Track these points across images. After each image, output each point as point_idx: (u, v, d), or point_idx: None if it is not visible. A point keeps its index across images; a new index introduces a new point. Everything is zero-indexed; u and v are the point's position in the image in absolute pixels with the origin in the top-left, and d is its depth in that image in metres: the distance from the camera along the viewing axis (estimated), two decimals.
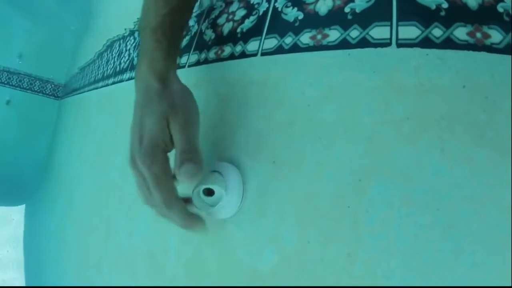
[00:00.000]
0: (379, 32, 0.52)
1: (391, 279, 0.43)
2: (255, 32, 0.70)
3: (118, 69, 1.44)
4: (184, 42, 0.92)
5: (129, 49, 1.41)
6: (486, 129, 0.42)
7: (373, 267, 0.44)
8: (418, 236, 0.42)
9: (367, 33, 0.54)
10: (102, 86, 1.59)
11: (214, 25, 0.83)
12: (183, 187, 0.60)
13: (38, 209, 2.25)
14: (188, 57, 0.87)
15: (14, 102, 2.81)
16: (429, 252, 0.41)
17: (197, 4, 0.95)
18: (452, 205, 0.41)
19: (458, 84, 0.45)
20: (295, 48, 0.62)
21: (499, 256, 0.38)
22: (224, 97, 0.72)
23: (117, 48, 1.58)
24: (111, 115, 1.37)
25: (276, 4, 0.69)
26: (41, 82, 2.87)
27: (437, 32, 0.48)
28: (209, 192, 0.63)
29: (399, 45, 0.50)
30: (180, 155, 0.57)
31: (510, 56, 0.43)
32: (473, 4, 0.47)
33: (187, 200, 0.63)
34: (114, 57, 1.56)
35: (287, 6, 0.67)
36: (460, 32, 0.47)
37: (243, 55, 0.71)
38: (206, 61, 0.80)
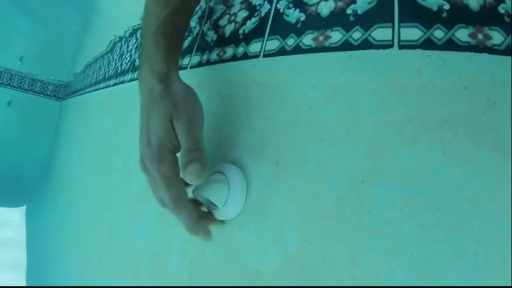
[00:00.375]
0: (381, 33, 0.53)
1: (393, 280, 0.43)
2: (257, 33, 0.70)
3: (119, 70, 1.44)
4: (186, 43, 0.92)
5: (131, 50, 1.41)
6: (487, 131, 0.42)
7: (375, 268, 0.45)
8: (420, 237, 0.42)
9: (369, 35, 0.54)
10: (103, 87, 1.59)
11: (216, 27, 0.83)
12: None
13: (39, 210, 2.26)
14: (190, 59, 0.87)
15: (15, 103, 2.81)
16: (431, 253, 0.41)
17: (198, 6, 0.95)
18: (454, 206, 0.41)
19: (459, 86, 0.45)
20: (297, 50, 0.62)
21: (501, 257, 0.38)
22: (226, 98, 0.72)
23: (119, 50, 1.58)
24: (112, 116, 1.37)
25: (278, 6, 0.69)
26: (42, 83, 2.87)
27: (439, 33, 0.48)
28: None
29: (401, 47, 0.50)
30: (185, 155, 0.57)
31: (511, 57, 0.43)
32: (475, 5, 0.48)
33: (199, 203, 0.63)
34: (116, 58, 1.57)
35: (289, 8, 0.67)
36: (462, 34, 0.47)
37: (245, 56, 0.71)
38: (208, 63, 0.80)
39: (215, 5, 0.88)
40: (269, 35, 0.68)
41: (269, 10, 0.71)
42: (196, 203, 0.66)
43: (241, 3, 0.79)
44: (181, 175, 0.58)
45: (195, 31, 0.91)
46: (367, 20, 0.55)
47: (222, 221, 0.64)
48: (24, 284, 2.08)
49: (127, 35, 1.55)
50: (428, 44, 0.48)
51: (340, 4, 0.59)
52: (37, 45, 2.82)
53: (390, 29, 0.52)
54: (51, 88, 2.88)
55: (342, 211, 0.49)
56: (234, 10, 0.80)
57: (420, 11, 0.50)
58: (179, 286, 0.70)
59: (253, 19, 0.73)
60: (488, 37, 0.45)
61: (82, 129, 1.85)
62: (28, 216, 2.54)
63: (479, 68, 0.44)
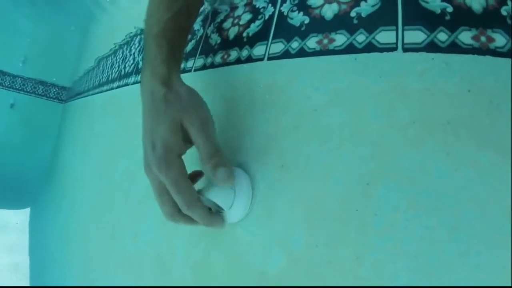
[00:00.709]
0: (385, 36, 0.53)
1: (398, 281, 0.43)
2: (261, 36, 0.71)
3: (123, 72, 1.44)
4: (190, 46, 0.93)
5: (134, 53, 1.41)
6: (490, 133, 0.42)
7: (380, 269, 0.45)
8: (424, 238, 0.43)
9: (373, 38, 0.54)
10: (106, 90, 1.59)
11: (219, 29, 0.83)
12: None
13: (42, 212, 2.26)
14: (194, 61, 0.87)
15: (18, 105, 2.82)
16: (435, 253, 0.42)
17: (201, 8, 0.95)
18: (457, 207, 0.42)
19: (463, 89, 0.45)
20: (302, 53, 0.62)
21: (503, 257, 0.38)
22: (230, 101, 0.72)
23: (122, 52, 1.58)
24: (115, 119, 1.37)
25: (281, 8, 0.69)
26: (45, 86, 2.88)
27: (442, 36, 0.48)
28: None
29: (405, 50, 0.50)
30: (209, 160, 0.59)
31: None
32: (477, 7, 0.48)
33: None
34: (119, 61, 1.57)
35: (292, 10, 0.67)
36: (465, 36, 0.47)
37: (250, 59, 0.71)
38: (212, 65, 0.80)
39: (220, 6, 0.88)
40: (273, 38, 0.68)
41: (273, 13, 0.71)
42: None
43: (245, 5, 0.79)
44: (211, 178, 0.59)
45: (199, 34, 0.91)
46: (371, 23, 0.55)
47: (228, 224, 0.64)
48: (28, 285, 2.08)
49: (129, 39, 1.56)
50: (431, 47, 0.49)
51: (344, 7, 0.59)
52: (39, 48, 2.83)
53: (394, 32, 0.52)
54: (54, 90, 2.88)
55: (347, 213, 0.49)
56: (238, 12, 0.80)
57: (423, 14, 0.51)
58: (183, 287, 0.70)
59: (257, 22, 0.73)
60: (491, 40, 0.46)
61: (85, 132, 1.85)
62: (31, 218, 2.54)
63: (482, 70, 0.45)
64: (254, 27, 0.73)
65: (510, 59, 0.44)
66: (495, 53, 0.45)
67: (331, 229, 0.50)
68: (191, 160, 0.63)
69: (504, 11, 0.47)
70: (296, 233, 0.54)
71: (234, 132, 0.68)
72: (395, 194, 0.46)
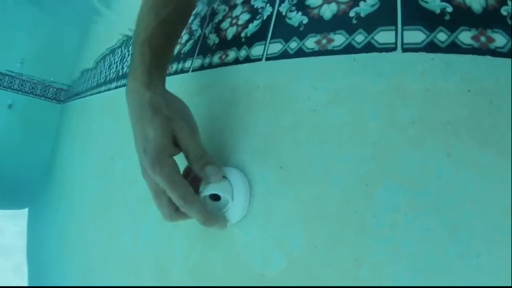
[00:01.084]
0: (384, 36, 0.53)
1: (398, 282, 0.43)
2: (259, 36, 0.70)
3: (120, 73, 1.44)
4: (188, 46, 0.92)
5: (132, 54, 1.41)
6: (491, 133, 0.42)
7: (380, 270, 0.45)
8: (424, 239, 0.42)
9: (372, 38, 0.54)
10: (104, 90, 1.59)
11: (217, 30, 0.83)
12: None
13: (40, 213, 2.26)
14: (192, 62, 0.87)
15: (16, 106, 2.82)
16: (435, 254, 0.42)
17: (199, 9, 0.95)
18: (458, 208, 0.42)
19: (463, 89, 0.45)
20: (300, 53, 0.62)
21: (504, 258, 0.38)
22: (229, 102, 0.72)
23: (120, 53, 1.58)
24: (113, 119, 1.37)
25: (280, 8, 0.69)
26: (43, 86, 2.88)
27: (442, 36, 0.48)
28: (216, 197, 0.64)
29: (405, 50, 0.50)
30: (198, 161, 0.62)
31: None
32: (477, 7, 0.48)
33: None
34: (117, 61, 1.57)
35: (291, 11, 0.67)
36: (465, 36, 0.47)
37: (248, 59, 0.71)
38: (210, 66, 0.80)
39: (218, 6, 0.88)
40: (271, 38, 0.68)
41: (271, 13, 0.71)
42: None
43: (243, 6, 0.79)
44: (201, 176, 0.61)
45: (197, 34, 0.91)
46: (370, 23, 0.55)
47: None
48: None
49: (127, 39, 1.56)
50: (431, 47, 0.48)
51: (343, 7, 0.59)
52: (38, 48, 2.83)
53: (393, 32, 0.52)
54: (52, 91, 2.89)
55: (347, 214, 0.49)
56: (236, 13, 0.80)
57: (423, 14, 0.50)
58: (182, 286, 0.69)
59: (255, 22, 0.73)
60: (491, 40, 0.45)
61: (83, 132, 1.85)
62: (29, 218, 2.54)
63: (482, 70, 0.45)
64: (252, 27, 0.73)
65: (510, 59, 0.44)
66: (495, 53, 0.45)
67: (330, 230, 0.50)
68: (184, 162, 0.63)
69: (504, 11, 0.46)
70: (295, 234, 0.54)
71: (232, 133, 0.67)
72: (395, 195, 0.46)
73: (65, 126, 2.42)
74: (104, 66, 1.76)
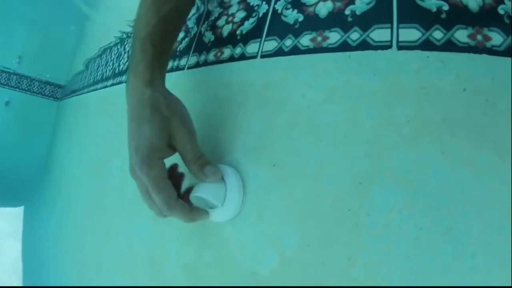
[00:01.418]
0: (379, 34, 0.52)
1: (391, 282, 0.43)
2: (255, 34, 0.70)
3: (117, 70, 1.44)
4: (184, 44, 0.92)
5: (128, 51, 1.41)
6: (487, 132, 0.42)
7: (373, 270, 0.44)
8: (418, 238, 0.42)
9: (368, 36, 0.53)
10: (101, 88, 1.59)
11: (213, 27, 0.83)
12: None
13: (37, 211, 2.26)
14: (188, 59, 0.87)
15: (13, 103, 2.82)
16: (430, 254, 0.41)
17: (195, 6, 0.95)
18: (453, 207, 0.41)
19: (459, 87, 0.45)
20: (295, 51, 0.62)
21: (499, 258, 0.38)
22: (223, 99, 0.72)
23: (116, 50, 1.58)
24: (110, 117, 1.37)
25: (276, 6, 0.69)
26: (40, 83, 2.87)
27: (438, 34, 0.48)
28: None
29: (400, 48, 0.50)
30: (195, 162, 0.62)
31: (511, 58, 0.43)
32: (474, 6, 0.47)
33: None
34: (113, 59, 1.57)
35: (287, 8, 0.66)
36: (461, 35, 0.47)
37: (243, 57, 0.71)
38: (206, 63, 0.80)
39: (214, 8, 0.88)
40: (266, 35, 0.68)
41: (267, 10, 0.70)
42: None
43: (239, 3, 0.79)
44: (198, 176, 0.61)
45: (193, 32, 0.91)
46: (365, 20, 0.55)
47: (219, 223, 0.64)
48: (21, 284, 2.08)
49: (123, 36, 1.55)
50: (427, 45, 0.48)
51: (338, 4, 0.59)
52: (35, 45, 2.83)
53: (389, 30, 0.52)
54: (49, 88, 2.88)
55: (340, 213, 0.49)
56: (232, 10, 0.80)
57: (419, 12, 0.50)
58: (176, 286, 0.69)
59: (251, 20, 0.73)
60: (487, 38, 0.45)
61: (80, 130, 1.85)
62: (25, 216, 2.54)
63: (479, 69, 0.44)
64: (248, 24, 0.73)
65: (506, 58, 0.43)
66: (491, 51, 0.44)
67: (323, 229, 0.50)
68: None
69: (501, 9, 0.46)
70: (288, 232, 0.54)
71: (227, 130, 0.67)
72: (389, 193, 0.46)
73: (62, 124, 2.42)
74: (101, 63, 1.76)
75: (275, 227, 0.56)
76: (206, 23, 0.87)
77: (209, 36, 0.83)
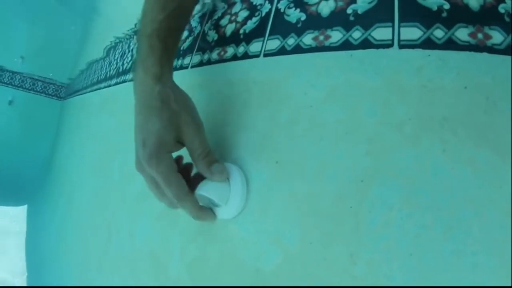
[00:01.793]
0: (381, 33, 0.53)
1: (392, 280, 0.43)
2: (257, 33, 0.71)
3: (121, 69, 1.44)
4: (187, 43, 0.93)
5: (132, 50, 1.41)
6: (487, 130, 0.42)
7: (375, 267, 0.45)
8: (419, 236, 0.42)
9: (369, 34, 0.54)
10: (105, 87, 1.59)
11: (217, 26, 0.83)
12: None
13: (40, 210, 2.26)
14: (191, 58, 0.87)
15: (17, 102, 2.81)
16: (430, 252, 0.41)
17: (198, 5, 0.95)
18: (453, 206, 0.41)
19: (459, 85, 0.45)
20: (298, 49, 0.62)
21: (500, 257, 0.38)
22: (226, 98, 0.72)
23: (120, 49, 1.58)
24: (113, 116, 1.37)
25: (278, 5, 0.69)
26: (43, 83, 2.87)
27: (438, 33, 0.48)
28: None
29: (401, 46, 0.50)
30: (202, 158, 0.62)
31: (511, 57, 0.43)
32: (475, 5, 0.48)
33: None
34: (117, 58, 1.57)
35: (289, 7, 0.67)
36: (462, 33, 0.47)
37: (246, 56, 0.71)
38: (209, 62, 0.80)
39: (217, 4, 0.88)
40: (269, 34, 0.68)
41: (270, 9, 0.71)
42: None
43: (242, 2, 0.79)
44: (205, 174, 0.62)
45: (196, 31, 0.91)
46: (367, 19, 0.55)
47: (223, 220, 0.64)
48: (24, 284, 2.08)
49: (127, 35, 1.55)
50: (428, 44, 0.48)
51: (340, 4, 0.59)
52: (38, 44, 2.82)
53: (390, 29, 0.52)
54: (53, 87, 2.88)
55: (342, 211, 0.49)
56: (235, 9, 0.80)
57: (420, 11, 0.50)
58: (179, 286, 0.70)
59: (254, 19, 0.73)
60: (488, 37, 0.45)
61: (83, 129, 1.85)
62: (28, 215, 2.54)
63: (479, 67, 0.45)
64: (251, 24, 0.73)
65: (507, 56, 0.44)
66: (492, 50, 0.45)
67: (325, 227, 0.50)
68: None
69: (501, 8, 0.46)
70: (291, 230, 0.54)
71: (230, 128, 0.67)
72: (390, 191, 0.46)
73: (66, 123, 2.42)
74: (105, 62, 1.76)
75: (278, 225, 0.56)
76: (209, 22, 0.88)
77: (212, 35, 0.83)
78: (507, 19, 0.46)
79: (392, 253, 0.44)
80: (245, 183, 0.62)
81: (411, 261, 0.42)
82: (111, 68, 1.59)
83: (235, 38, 0.75)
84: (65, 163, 2.03)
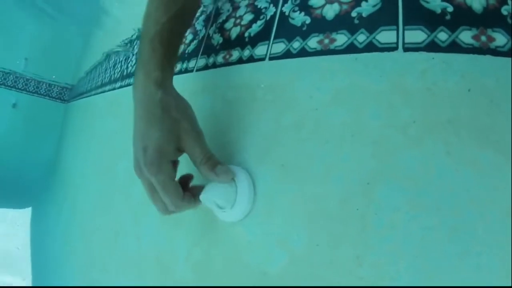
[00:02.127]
0: (385, 36, 0.53)
1: (398, 281, 0.43)
2: (263, 36, 0.71)
3: (125, 73, 1.44)
4: (192, 46, 0.93)
5: (136, 53, 1.41)
6: (491, 132, 0.42)
7: (381, 269, 0.45)
8: (424, 238, 0.43)
9: (374, 38, 0.54)
10: (109, 90, 1.59)
11: (221, 29, 0.83)
12: None
13: (44, 212, 2.26)
14: (196, 61, 0.87)
15: (21, 105, 2.82)
16: (436, 254, 0.42)
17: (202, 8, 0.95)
18: (458, 207, 0.42)
19: (463, 88, 0.45)
20: (303, 53, 0.62)
21: (504, 258, 0.38)
22: (232, 101, 0.72)
23: (124, 53, 1.58)
24: (118, 119, 1.37)
25: (283, 9, 0.69)
26: (47, 86, 2.88)
27: (442, 36, 0.48)
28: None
29: (406, 49, 0.50)
30: (205, 162, 0.62)
31: None
32: (478, 7, 0.48)
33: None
34: (121, 61, 1.57)
35: (294, 11, 0.67)
36: (465, 36, 0.47)
37: (251, 59, 0.71)
38: (214, 65, 0.80)
39: (222, 5, 0.88)
40: (274, 38, 0.68)
41: (275, 13, 0.71)
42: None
43: (247, 6, 0.79)
44: (209, 176, 0.62)
45: (201, 34, 0.91)
46: (371, 23, 0.55)
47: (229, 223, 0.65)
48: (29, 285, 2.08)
49: (132, 39, 1.56)
50: (432, 47, 0.49)
51: (345, 7, 0.59)
52: (42, 47, 2.83)
53: (395, 32, 0.52)
54: (56, 90, 2.89)
55: (348, 213, 0.49)
56: (239, 13, 0.80)
57: (424, 14, 0.51)
58: (184, 287, 0.70)
59: (259, 22, 0.73)
60: (491, 39, 0.46)
61: (87, 132, 1.85)
62: (33, 218, 2.54)
63: (483, 70, 0.45)
64: (256, 27, 0.73)
65: (510, 59, 0.44)
66: (495, 52, 0.45)
67: (331, 229, 0.50)
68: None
69: (504, 10, 0.47)
70: (297, 232, 0.54)
71: (235, 132, 0.68)
72: (395, 193, 0.46)
73: (69, 126, 2.42)
74: (109, 65, 1.77)
75: (284, 227, 0.56)
76: (214, 25, 0.88)
77: (217, 39, 0.83)
78: (509, 21, 0.46)
79: (398, 254, 0.44)
80: (252, 185, 0.62)
81: (417, 262, 0.43)
82: (116, 71, 1.59)
83: (240, 42, 0.76)
84: (69, 166, 2.03)
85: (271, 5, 0.73)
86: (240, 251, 0.62)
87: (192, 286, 0.68)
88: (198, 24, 0.95)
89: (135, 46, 1.47)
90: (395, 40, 0.52)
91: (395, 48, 0.51)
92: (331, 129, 0.55)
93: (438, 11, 0.50)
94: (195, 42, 0.93)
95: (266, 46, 0.69)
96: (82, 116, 2.11)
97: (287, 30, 0.67)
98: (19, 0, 2.63)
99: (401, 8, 0.53)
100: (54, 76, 2.87)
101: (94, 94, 1.87)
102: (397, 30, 0.52)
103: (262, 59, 0.69)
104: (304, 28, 0.64)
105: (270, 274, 0.56)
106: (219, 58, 0.79)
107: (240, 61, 0.74)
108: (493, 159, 0.41)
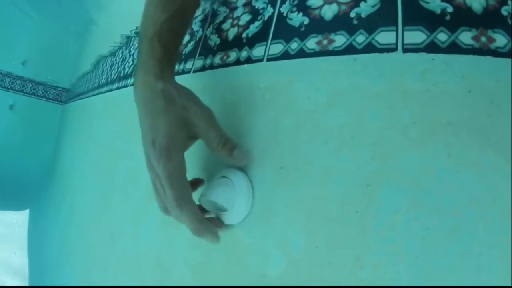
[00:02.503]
0: (385, 37, 0.53)
1: (399, 283, 0.43)
2: (260, 37, 0.70)
3: (122, 74, 1.44)
4: (189, 47, 0.92)
5: (133, 54, 1.41)
6: (491, 133, 0.42)
7: (381, 271, 0.45)
8: (425, 239, 0.43)
9: (373, 38, 0.54)
10: (106, 91, 1.59)
11: (219, 30, 0.83)
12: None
13: (42, 214, 2.26)
14: (193, 63, 0.87)
15: (18, 107, 2.82)
16: (436, 255, 0.42)
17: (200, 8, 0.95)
18: (458, 208, 0.42)
19: (463, 89, 0.45)
20: (301, 54, 0.62)
21: (505, 258, 0.38)
22: (230, 102, 0.72)
23: (121, 53, 1.58)
24: (115, 120, 1.37)
25: (281, 9, 0.69)
26: (44, 87, 2.87)
27: (442, 36, 0.48)
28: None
29: (405, 50, 0.50)
30: (224, 145, 0.62)
31: None
32: (478, 8, 0.48)
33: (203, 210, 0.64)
34: (118, 62, 1.57)
35: (292, 11, 0.67)
36: (465, 37, 0.47)
37: (249, 60, 0.71)
38: (212, 67, 0.80)
39: (218, 7, 0.88)
40: (272, 39, 0.68)
41: (273, 13, 0.70)
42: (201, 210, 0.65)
43: (244, 6, 0.79)
44: (228, 161, 0.62)
45: (198, 35, 0.91)
46: (370, 23, 0.55)
47: (228, 225, 0.64)
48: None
49: (128, 39, 1.56)
50: (431, 47, 0.48)
51: (343, 7, 0.59)
52: (39, 49, 2.83)
53: (394, 33, 0.52)
54: (54, 91, 2.89)
55: (348, 215, 0.49)
56: (237, 13, 0.80)
57: (423, 14, 0.50)
58: (184, 287, 0.70)
59: (256, 23, 0.73)
60: (491, 40, 0.46)
61: (84, 133, 1.85)
62: (31, 219, 2.54)
63: (483, 71, 0.45)
64: (254, 28, 0.73)
65: (510, 59, 0.44)
66: (495, 53, 0.45)
67: (331, 231, 0.50)
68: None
69: (504, 11, 0.47)
70: (296, 235, 0.54)
71: (234, 134, 0.67)
72: (395, 195, 0.46)
73: (67, 127, 2.42)
74: (106, 66, 1.77)
75: (284, 229, 0.56)
76: (211, 26, 0.87)
77: (214, 40, 0.83)
78: (510, 21, 0.46)
79: (399, 256, 0.44)
80: (250, 187, 0.62)
81: (417, 263, 0.43)
82: (112, 72, 1.59)
83: (238, 43, 0.75)
84: (67, 167, 2.03)
85: (269, 5, 0.72)
86: (239, 253, 0.61)
87: (191, 287, 0.68)
88: (195, 25, 0.95)
89: (132, 47, 1.47)
90: (394, 41, 0.51)
91: (394, 49, 0.51)
92: (330, 130, 0.54)
93: (438, 11, 0.50)
94: (192, 43, 0.92)
95: (264, 47, 0.68)
96: (80, 118, 2.11)
97: (285, 31, 0.66)
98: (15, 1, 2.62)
99: (400, 8, 0.53)
100: (51, 78, 2.87)
101: (91, 96, 1.87)
102: (397, 30, 0.52)
103: (260, 60, 0.68)
104: (302, 29, 0.63)
105: (269, 276, 0.56)
106: (217, 59, 0.79)
107: (237, 62, 0.73)
108: (493, 160, 0.41)
